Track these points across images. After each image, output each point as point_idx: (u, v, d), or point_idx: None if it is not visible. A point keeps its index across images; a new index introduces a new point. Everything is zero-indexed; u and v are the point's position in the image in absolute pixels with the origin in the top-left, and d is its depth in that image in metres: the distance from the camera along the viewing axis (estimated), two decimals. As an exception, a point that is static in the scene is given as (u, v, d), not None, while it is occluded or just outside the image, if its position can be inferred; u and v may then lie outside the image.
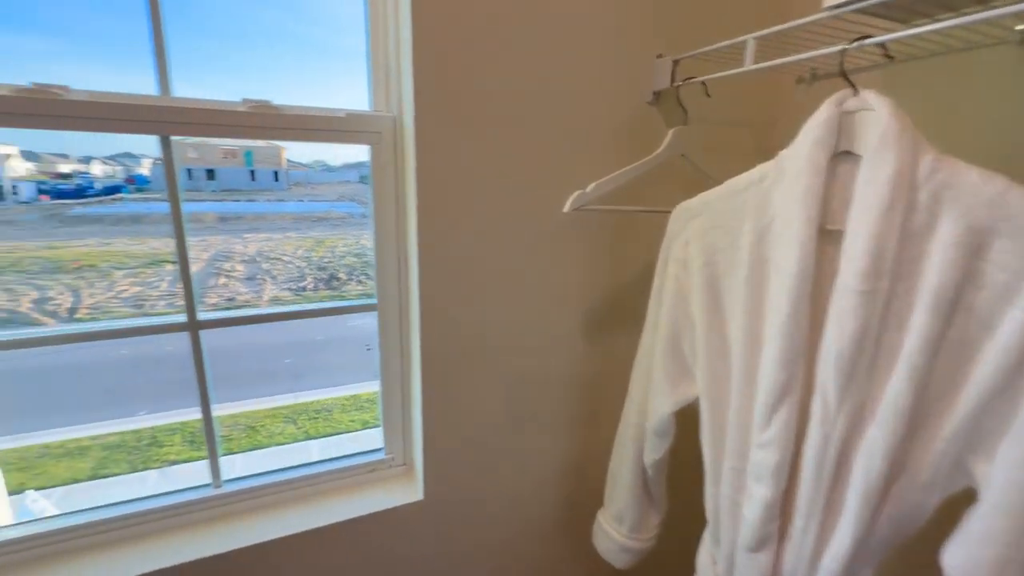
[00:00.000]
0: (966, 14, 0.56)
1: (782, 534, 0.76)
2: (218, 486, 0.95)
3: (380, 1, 0.88)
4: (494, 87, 0.88)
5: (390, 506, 0.99)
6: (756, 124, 1.13)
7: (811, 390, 0.70)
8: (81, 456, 4.86)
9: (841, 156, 0.67)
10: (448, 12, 0.82)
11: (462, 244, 0.93)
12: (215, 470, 0.95)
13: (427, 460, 1.00)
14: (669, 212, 0.86)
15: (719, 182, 0.81)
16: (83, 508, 0.89)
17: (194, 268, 0.85)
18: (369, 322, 1.02)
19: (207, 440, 0.93)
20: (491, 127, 0.89)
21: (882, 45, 0.67)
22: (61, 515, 0.87)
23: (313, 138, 0.87)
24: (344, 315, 1.03)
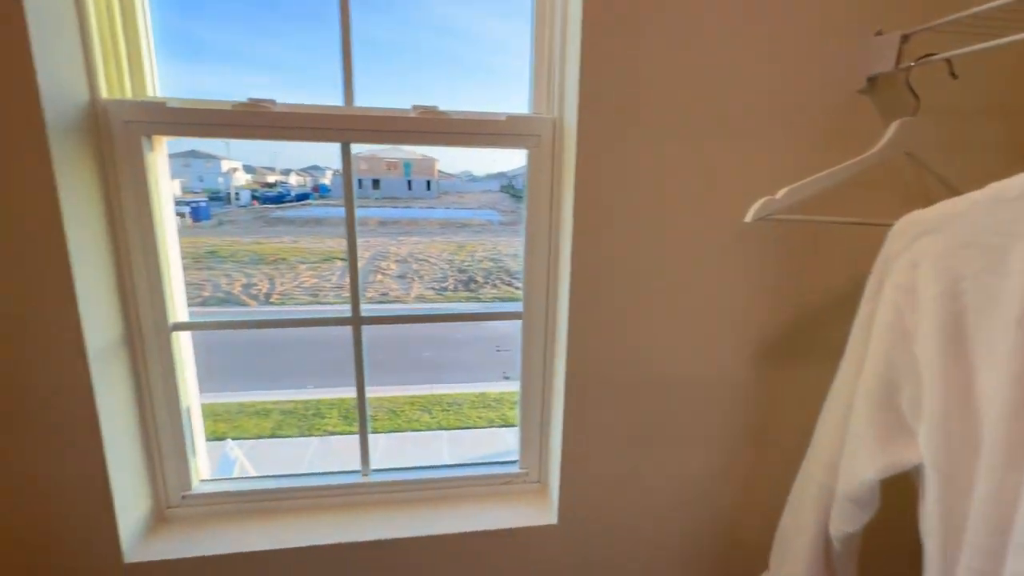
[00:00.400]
0: None
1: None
2: (366, 475, 1.00)
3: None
4: (666, 82, 0.79)
5: (522, 524, 0.95)
6: (1013, 113, 0.86)
7: None
8: (265, 416, 5.81)
9: None
10: (620, 7, 0.75)
11: (620, 254, 0.85)
12: (364, 459, 1.00)
13: (564, 483, 0.94)
14: (886, 225, 0.68)
15: (955, 190, 0.61)
16: (256, 476, 1.01)
17: (349, 258, 0.90)
18: (502, 324, 0.99)
19: (360, 435, 0.99)
20: (661, 126, 0.80)
21: None
22: (238, 479, 0.99)
23: (475, 142, 0.87)
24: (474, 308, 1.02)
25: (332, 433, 5.52)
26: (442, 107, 0.86)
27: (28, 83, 0.66)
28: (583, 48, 0.76)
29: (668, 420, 0.95)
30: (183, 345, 0.91)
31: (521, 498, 1.02)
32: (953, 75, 0.73)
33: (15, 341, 0.73)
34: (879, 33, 0.80)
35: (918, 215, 0.66)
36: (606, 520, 0.98)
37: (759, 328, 0.92)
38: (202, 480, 0.97)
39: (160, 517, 0.93)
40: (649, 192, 0.83)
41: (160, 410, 0.89)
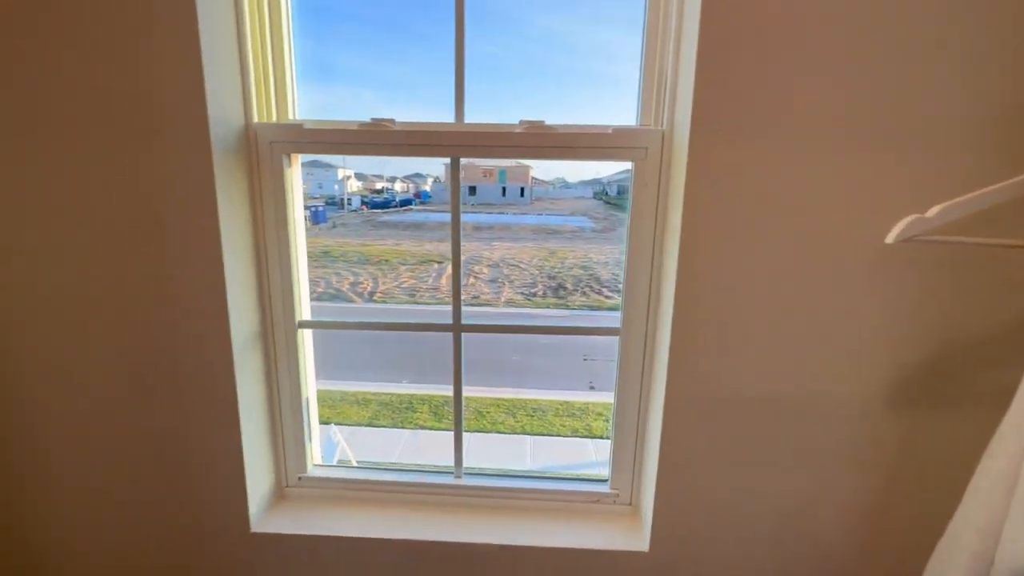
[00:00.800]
0: None
1: None
2: (459, 477, 1.03)
3: (661, 10, 0.82)
4: (788, 91, 0.72)
5: (612, 547, 0.92)
6: None
7: None
8: (364, 406, 6.25)
9: None
10: (739, 19, 0.70)
11: (730, 272, 0.79)
12: (458, 462, 1.04)
13: (659, 508, 0.90)
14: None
15: None
16: (360, 467, 1.08)
17: (452, 268, 0.94)
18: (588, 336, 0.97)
19: (455, 438, 1.03)
20: (777, 140, 0.74)
21: None
22: (346, 467, 1.07)
23: (581, 155, 0.86)
24: (566, 322, 1.01)
25: (422, 427, 5.80)
26: (548, 120, 0.87)
27: (201, 113, 0.77)
28: (699, 62, 0.72)
29: (783, 459, 0.86)
30: (305, 340, 1.01)
31: (610, 520, 0.99)
32: None
33: (174, 329, 0.86)
34: (1074, 20, 0.66)
35: None
36: (701, 552, 0.92)
37: (900, 362, 0.81)
38: (315, 464, 1.06)
39: (280, 495, 1.03)
40: (762, 207, 0.76)
41: (284, 398, 0.99)
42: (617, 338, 0.94)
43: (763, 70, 0.72)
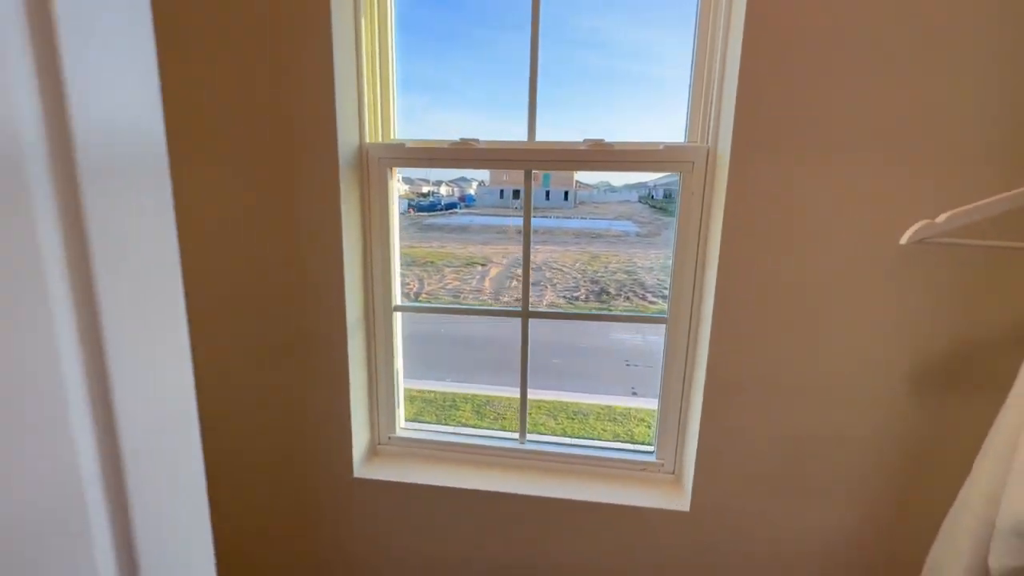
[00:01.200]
0: None
1: None
2: (522, 442, 1.20)
3: (707, 38, 0.97)
4: (818, 111, 0.85)
5: (657, 506, 1.06)
6: None
7: None
8: (411, 402, 6.54)
9: None
10: (778, 48, 0.84)
11: (765, 272, 0.92)
12: (522, 429, 1.20)
13: (698, 478, 1.03)
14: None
15: None
16: (440, 431, 1.27)
17: (495, 270, 1.11)
18: (631, 338, 1.11)
19: (521, 410, 1.20)
20: (811, 152, 0.87)
21: None
22: (426, 430, 1.26)
23: (635, 168, 1.02)
24: (608, 328, 1.15)
25: (464, 424, 6.02)
26: (608, 138, 1.03)
27: (332, 137, 0.98)
28: (739, 91, 0.86)
29: (807, 437, 0.98)
30: (397, 322, 1.20)
31: (656, 485, 1.13)
32: None
33: (303, 309, 1.07)
34: (1079, 52, 0.76)
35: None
36: (737, 518, 1.04)
37: (921, 355, 0.92)
38: (401, 427, 1.26)
39: (374, 451, 1.24)
40: (793, 216, 0.89)
41: (381, 370, 1.19)
42: (664, 326, 1.09)
43: (792, 98, 0.85)
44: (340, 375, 1.09)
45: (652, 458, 1.15)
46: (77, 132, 0.23)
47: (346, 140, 1.02)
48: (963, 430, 0.93)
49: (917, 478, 0.98)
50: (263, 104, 0.98)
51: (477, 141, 1.07)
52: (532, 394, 1.22)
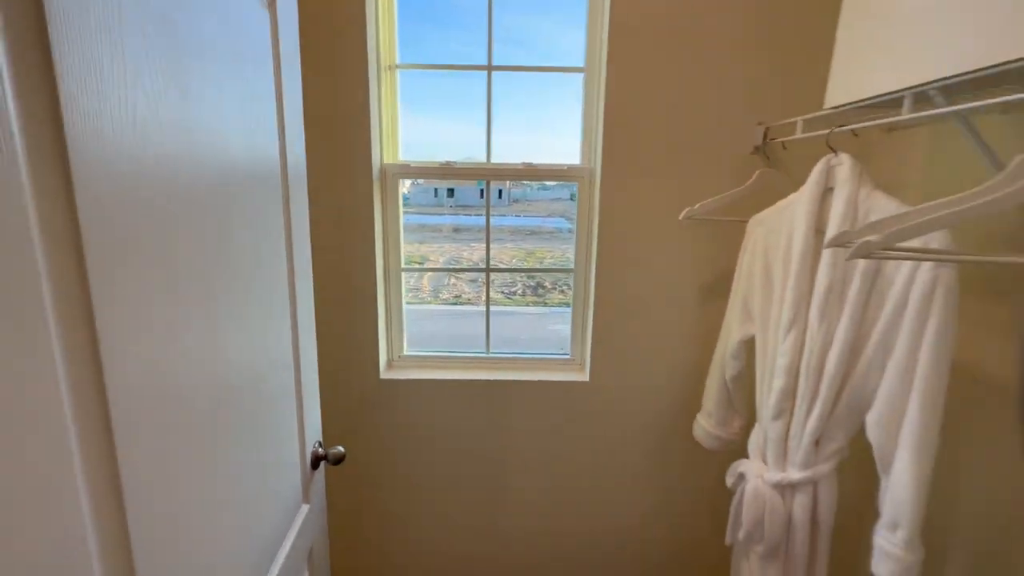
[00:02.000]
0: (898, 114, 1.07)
1: (791, 410, 1.28)
2: (489, 352, 1.89)
3: (590, 91, 1.69)
4: (650, 144, 1.60)
5: (570, 379, 1.79)
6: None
7: (807, 324, 1.23)
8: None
9: (828, 190, 1.20)
10: (627, 102, 1.57)
11: (625, 238, 1.66)
12: (487, 342, 1.89)
13: (593, 365, 1.77)
14: (745, 220, 1.45)
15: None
16: (433, 351, 1.92)
17: (486, 249, 1.78)
18: (566, 328, 1.83)
19: (486, 328, 1.88)
20: (645, 168, 1.61)
21: (853, 131, 1.16)
22: (424, 350, 1.90)
23: (549, 178, 1.73)
24: (546, 320, 1.85)
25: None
26: (533, 161, 1.73)
27: (368, 158, 1.60)
28: (605, 123, 1.59)
29: (661, 333, 1.74)
30: (402, 279, 1.83)
31: (571, 370, 1.86)
32: (784, 147, 1.48)
33: (351, 267, 1.68)
34: (759, 124, 1.55)
35: (757, 216, 1.43)
36: (619, 383, 1.79)
37: (704, 281, 1.70)
38: (407, 351, 1.89)
39: (391, 364, 1.87)
40: (641, 208, 1.64)
41: (393, 312, 1.82)
42: (571, 278, 1.81)
43: (635, 137, 1.59)
44: (371, 311, 1.72)
45: (568, 356, 1.88)
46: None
47: (376, 159, 1.65)
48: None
49: (711, 349, 1.76)
50: (330, 140, 1.58)
51: (455, 163, 1.73)
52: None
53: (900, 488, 1.03)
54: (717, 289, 1.69)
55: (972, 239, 1.14)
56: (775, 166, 1.53)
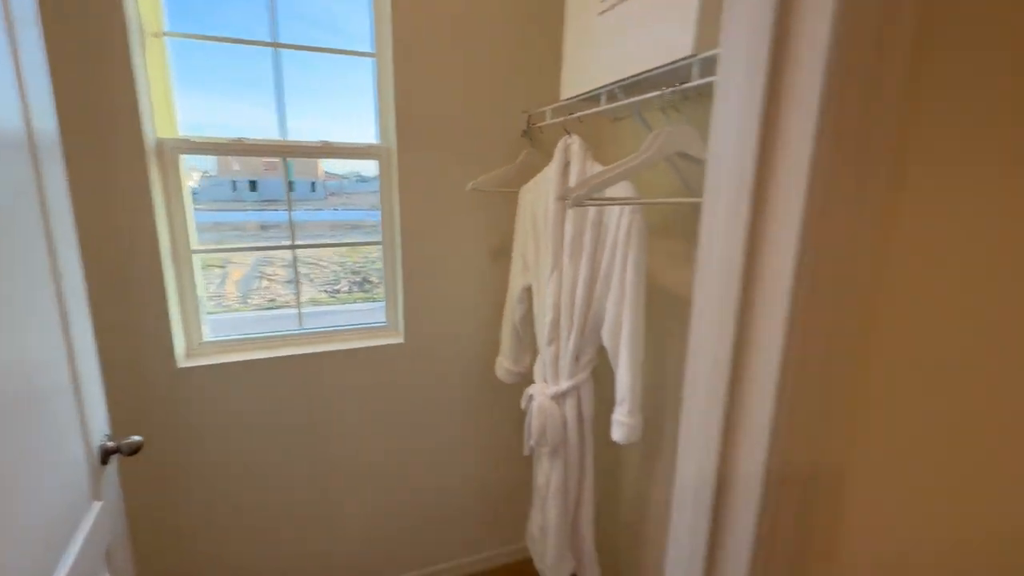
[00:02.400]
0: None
1: (557, 336, 1.64)
2: (301, 326, 1.91)
3: (382, 77, 1.83)
4: (436, 126, 1.81)
5: (387, 343, 1.93)
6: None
7: (563, 268, 1.59)
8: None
9: (567, 164, 1.58)
10: (412, 87, 1.75)
11: (423, 210, 1.86)
12: (300, 320, 1.90)
13: (407, 329, 1.94)
14: (515, 190, 1.77)
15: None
16: (235, 336, 1.85)
17: (238, 274, 1.80)
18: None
19: (297, 309, 1.89)
20: (435, 148, 1.83)
21: (579, 118, 1.55)
22: (224, 337, 1.83)
23: (347, 155, 1.82)
24: (374, 316, 1.98)
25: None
26: (332, 139, 1.80)
27: (138, 131, 1.48)
28: (396, 107, 1.75)
29: (460, 292, 1.98)
30: (195, 262, 1.73)
31: (387, 336, 2.00)
32: (540, 131, 1.85)
33: (128, 253, 1.53)
34: (524, 111, 1.90)
35: (525, 185, 1.76)
36: (427, 343, 1.99)
37: (491, 241, 2.00)
38: (207, 336, 1.80)
39: (190, 352, 1.75)
40: (435, 180, 1.85)
41: (187, 297, 1.71)
42: (380, 250, 1.94)
43: (425, 120, 1.79)
44: (159, 296, 1.60)
45: (384, 323, 2.01)
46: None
47: (146, 130, 1.53)
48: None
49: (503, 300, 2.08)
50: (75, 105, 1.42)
51: (246, 139, 1.71)
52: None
53: (623, 373, 1.45)
54: (503, 248, 2.01)
55: (658, 193, 1.63)
56: (537, 147, 1.89)
